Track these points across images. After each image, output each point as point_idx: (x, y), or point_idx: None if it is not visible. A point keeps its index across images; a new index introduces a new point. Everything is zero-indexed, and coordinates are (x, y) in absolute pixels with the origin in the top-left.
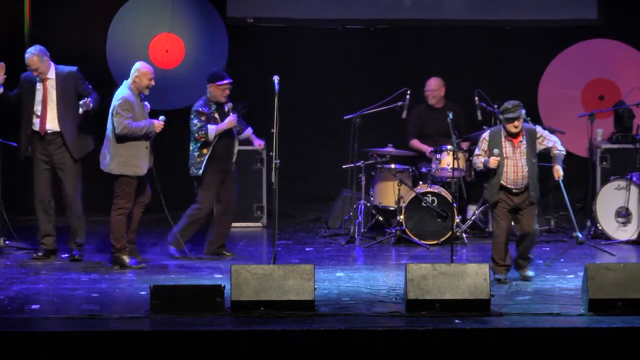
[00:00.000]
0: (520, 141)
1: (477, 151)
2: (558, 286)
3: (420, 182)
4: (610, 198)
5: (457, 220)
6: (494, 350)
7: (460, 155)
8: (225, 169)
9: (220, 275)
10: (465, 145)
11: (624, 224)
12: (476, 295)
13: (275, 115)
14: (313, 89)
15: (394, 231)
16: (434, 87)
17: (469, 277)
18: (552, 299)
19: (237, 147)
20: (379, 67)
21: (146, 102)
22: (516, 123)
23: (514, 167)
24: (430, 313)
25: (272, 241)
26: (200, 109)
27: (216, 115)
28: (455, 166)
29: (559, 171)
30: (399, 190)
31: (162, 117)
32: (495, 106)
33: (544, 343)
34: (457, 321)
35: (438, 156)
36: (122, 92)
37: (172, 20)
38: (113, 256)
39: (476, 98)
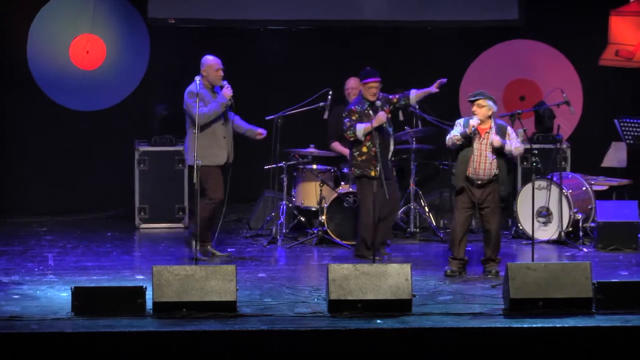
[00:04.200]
0: (487, 132)
1: (451, 131)
2: (480, 286)
3: (342, 183)
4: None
5: None
6: (416, 350)
7: None
8: (383, 167)
9: (142, 277)
10: None
11: (545, 223)
12: (398, 295)
13: (197, 116)
14: (235, 90)
15: (316, 232)
16: (355, 85)
17: (391, 278)
18: (473, 299)
19: (392, 145)
20: (301, 67)
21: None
22: (474, 107)
23: (478, 157)
24: (352, 313)
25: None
26: (352, 107)
27: (370, 112)
28: None
29: (497, 139)
30: (321, 190)
31: (224, 82)
32: (417, 107)
33: (466, 343)
34: (379, 321)
35: None
36: (189, 86)
37: (93, 21)
38: (200, 247)
39: None
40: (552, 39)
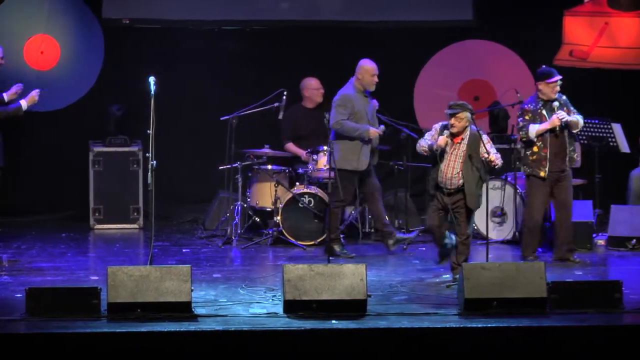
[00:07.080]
0: (459, 143)
1: (426, 135)
2: (435, 286)
3: (297, 183)
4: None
5: None
6: (371, 351)
7: None
8: (555, 170)
9: (97, 277)
10: None
11: (500, 223)
12: (353, 295)
13: (152, 116)
14: (190, 90)
15: (271, 232)
16: (318, 86)
17: (346, 278)
18: (428, 299)
19: (569, 147)
20: (255, 68)
21: (374, 100)
22: (452, 120)
23: (446, 166)
24: (307, 314)
25: (148, 243)
26: (526, 107)
27: (544, 112)
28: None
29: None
30: (276, 191)
31: (382, 127)
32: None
33: (421, 343)
34: (334, 321)
35: (315, 157)
36: (344, 88)
37: (47, 22)
38: (327, 245)
39: None
40: (507, 39)
